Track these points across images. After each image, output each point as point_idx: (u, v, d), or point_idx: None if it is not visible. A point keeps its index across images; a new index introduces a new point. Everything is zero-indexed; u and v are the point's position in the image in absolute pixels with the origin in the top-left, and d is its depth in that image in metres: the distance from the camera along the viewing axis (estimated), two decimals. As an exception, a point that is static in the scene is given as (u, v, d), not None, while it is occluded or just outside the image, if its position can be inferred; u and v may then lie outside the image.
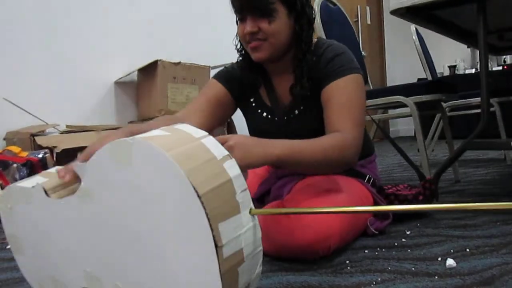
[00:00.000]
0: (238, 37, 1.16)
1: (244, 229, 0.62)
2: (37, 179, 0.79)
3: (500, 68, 5.12)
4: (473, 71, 5.37)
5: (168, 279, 0.62)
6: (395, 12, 1.52)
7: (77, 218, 0.71)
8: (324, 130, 1.09)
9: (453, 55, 5.56)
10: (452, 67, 5.53)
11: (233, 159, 0.65)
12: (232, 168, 0.63)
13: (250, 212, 0.63)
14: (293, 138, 0.94)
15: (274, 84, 1.21)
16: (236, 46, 1.19)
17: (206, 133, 0.67)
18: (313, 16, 1.13)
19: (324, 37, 1.81)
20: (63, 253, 0.77)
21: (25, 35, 2.37)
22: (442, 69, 5.55)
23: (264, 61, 1.12)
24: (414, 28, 2.68)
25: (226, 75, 1.25)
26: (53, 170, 0.84)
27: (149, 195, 0.60)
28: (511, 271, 0.86)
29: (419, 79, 5.22)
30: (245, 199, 0.63)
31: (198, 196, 0.56)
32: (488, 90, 1.40)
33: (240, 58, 1.21)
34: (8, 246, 1.30)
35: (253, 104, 1.24)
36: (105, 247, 0.69)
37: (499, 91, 2.78)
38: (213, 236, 0.56)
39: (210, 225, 0.56)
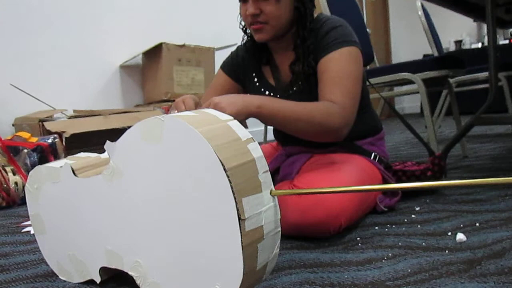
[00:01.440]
0: (240, 17, 1.17)
1: (265, 207, 0.64)
2: (65, 161, 0.84)
3: (507, 41, 5.05)
4: (480, 45, 5.31)
5: (190, 253, 0.65)
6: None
7: (103, 196, 0.75)
8: None
9: (459, 30, 5.49)
10: (458, 42, 5.46)
11: (256, 142, 0.68)
12: (256, 150, 0.66)
13: (270, 193, 0.66)
14: None
15: (277, 61, 1.22)
16: (240, 23, 1.21)
17: (231, 117, 0.70)
18: None
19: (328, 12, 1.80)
20: (86, 231, 0.80)
21: (31, 21, 2.36)
22: (448, 44, 5.48)
23: (267, 41, 1.13)
24: (419, 3, 2.64)
25: (231, 63, 1.28)
26: (80, 155, 0.89)
27: (177, 170, 0.64)
28: (521, 244, 0.87)
29: (424, 55, 5.18)
30: (266, 179, 0.66)
31: (225, 170, 0.59)
32: (497, 65, 1.39)
33: (245, 37, 1.23)
34: (24, 230, 1.32)
35: (257, 84, 1.25)
36: (129, 225, 0.72)
37: (506, 65, 2.75)
38: (237, 209, 0.59)
39: (235, 198, 0.59)
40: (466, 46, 5.45)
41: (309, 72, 1.12)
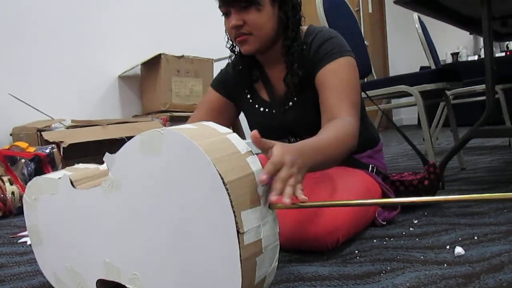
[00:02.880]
0: (227, 34, 1.15)
1: (264, 221, 0.64)
2: (63, 172, 0.83)
3: (503, 54, 5.10)
4: (476, 57, 5.35)
5: (189, 267, 0.65)
6: (398, 2, 1.52)
7: (102, 208, 0.74)
8: (319, 121, 1.07)
9: (455, 42, 5.54)
10: (455, 54, 5.51)
11: (255, 155, 0.68)
12: (254, 163, 0.67)
13: (269, 207, 0.66)
14: (290, 130, 0.93)
15: (269, 76, 1.20)
16: (227, 43, 1.18)
17: (230, 130, 0.71)
18: (299, 0, 1.12)
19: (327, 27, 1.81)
20: (84, 243, 0.79)
21: (29, 31, 2.37)
22: (445, 57, 5.53)
23: (254, 53, 1.12)
24: (416, 16, 2.67)
25: (222, 81, 1.26)
26: (79, 166, 0.88)
27: (176, 182, 0.64)
28: (519, 258, 0.87)
29: (421, 68, 5.21)
30: (265, 193, 0.66)
31: (224, 183, 0.60)
32: (493, 79, 1.40)
33: (233, 56, 1.21)
34: (21, 240, 1.32)
35: (250, 100, 1.23)
36: (127, 237, 0.71)
37: (503, 78, 2.77)
38: (236, 222, 0.59)
39: (234, 212, 0.59)
40: (462, 58, 5.50)
41: (302, 84, 1.11)
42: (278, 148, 0.72)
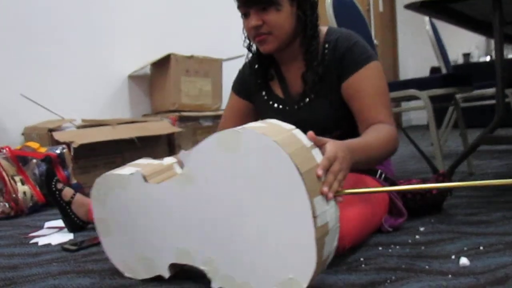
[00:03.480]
0: (244, 33, 1.18)
1: (329, 206, 0.74)
2: (129, 169, 0.92)
3: (516, 55, 5.04)
4: (488, 58, 5.30)
5: (263, 248, 0.74)
6: (409, 7, 1.52)
7: (176, 200, 0.84)
8: (334, 120, 1.13)
9: (467, 43, 5.48)
10: (467, 55, 5.46)
11: (317, 148, 0.77)
12: (318, 155, 0.76)
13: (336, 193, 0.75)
14: (304, 128, 0.94)
15: (284, 73, 1.23)
16: (244, 42, 1.21)
17: (293, 126, 0.79)
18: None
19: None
20: (156, 231, 0.88)
21: (40, 31, 2.40)
22: (456, 57, 5.48)
23: (273, 52, 1.14)
24: (427, 18, 2.65)
25: (240, 82, 1.31)
26: (141, 161, 0.98)
27: (253, 174, 0.73)
28: (524, 270, 0.87)
29: (432, 68, 5.18)
30: None
31: (300, 173, 0.68)
32: (504, 85, 1.39)
33: (250, 55, 1.24)
34: (33, 241, 1.34)
35: (265, 97, 1.26)
36: (201, 224, 0.81)
37: (514, 81, 2.75)
38: (311, 208, 0.69)
39: (309, 198, 0.69)
40: (474, 59, 5.44)
41: (320, 82, 1.13)
42: (332, 145, 0.79)
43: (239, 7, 1.11)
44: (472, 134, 4.34)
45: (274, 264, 0.74)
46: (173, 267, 0.90)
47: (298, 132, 0.78)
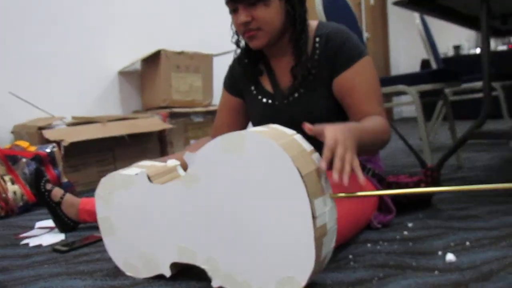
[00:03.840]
0: (233, 29, 1.18)
1: (327, 208, 0.76)
2: (134, 170, 0.95)
3: (505, 47, 5.08)
4: (478, 51, 5.33)
5: (264, 247, 0.77)
6: (398, 3, 1.53)
7: (179, 200, 0.86)
8: (323, 115, 1.13)
9: (458, 35, 5.50)
10: (457, 47, 5.48)
11: (317, 153, 0.80)
12: (318, 159, 0.79)
13: (329, 195, 0.78)
14: (292, 123, 0.95)
15: (274, 68, 1.22)
16: (232, 37, 1.21)
17: (295, 132, 0.82)
18: None
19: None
20: (158, 231, 0.91)
21: (29, 28, 2.38)
22: (447, 49, 5.50)
23: (263, 48, 1.14)
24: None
25: (231, 81, 1.31)
26: (145, 163, 1.00)
27: (256, 176, 0.76)
28: (509, 266, 0.89)
29: (423, 60, 5.20)
30: (327, 184, 0.79)
31: (301, 176, 0.72)
32: (490, 81, 1.41)
33: (238, 51, 1.24)
34: (23, 242, 1.34)
35: (254, 92, 1.25)
36: (204, 224, 0.84)
37: (502, 75, 2.77)
38: (311, 209, 0.72)
39: (310, 200, 0.72)
40: (464, 51, 5.47)
41: (310, 76, 1.14)
42: (330, 130, 0.80)
43: (227, 3, 1.10)
44: (462, 126, 4.38)
45: (273, 263, 0.77)
46: (175, 266, 0.92)
47: (299, 138, 0.81)
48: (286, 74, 1.19)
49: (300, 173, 0.72)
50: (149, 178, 0.92)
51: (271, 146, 0.74)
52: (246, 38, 1.13)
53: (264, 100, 1.23)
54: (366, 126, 1.00)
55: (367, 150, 1.02)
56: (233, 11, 1.11)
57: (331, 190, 0.79)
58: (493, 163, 2.09)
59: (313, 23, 1.18)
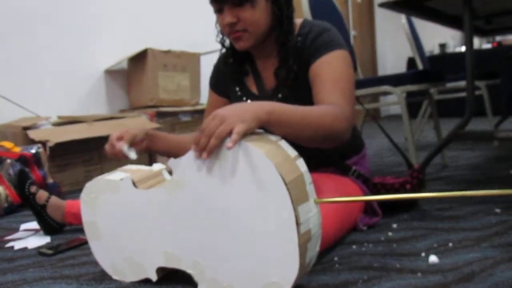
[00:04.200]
0: (217, 28, 1.15)
1: (311, 213, 0.77)
2: (119, 174, 0.95)
3: (490, 45, 5.15)
4: (463, 48, 5.38)
5: (249, 252, 0.78)
6: (383, 5, 1.54)
7: (165, 206, 0.87)
8: None
9: (443, 33, 5.55)
10: (442, 46, 5.54)
11: (301, 158, 0.80)
12: (302, 165, 0.79)
13: (314, 201, 0.79)
14: None
15: (259, 68, 1.20)
16: (217, 36, 1.18)
17: (280, 137, 0.83)
18: None
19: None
20: (145, 236, 0.91)
21: (13, 27, 2.34)
22: (432, 47, 5.56)
23: (249, 49, 1.12)
24: (403, 12, 2.68)
25: (216, 80, 1.28)
26: (130, 167, 1.01)
27: (240, 182, 0.76)
28: (490, 267, 0.91)
29: (409, 58, 5.25)
30: (311, 190, 0.79)
31: (285, 183, 0.72)
32: (473, 81, 1.43)
33: (223, 50, 1.21)
34: (8, 245, 1.33)
35: (239, 93, 1.23)
36: (189, 229, 0.84)
37: (486, 74, 2.81)
38: (295, 216, 0.72)
39: (293, 207, 0.72)
40: (450, 49, 5.53)
41: (294, 78, 1.11)
42: (217, 111, 0.80)
43: (211, 3, 1.07)
44: (447, 124, 4.43)
45: (258, 268, 0.77)
46: (161, 270, 0.93)
47: (284, 143, 0.81)
48: (271, 75, 1.17)
49: (283, 180, 0.72)
50: (134, 183, 0.92)
51: (255, 153, 0.74)
52: (231, 39, 1.10)
53: (249, 101, 1.21)
54: (301, 108, 0.89)
55: (304, 137, 0.90)
56: (218, 11, 1.08)
57: (315, 195, 0.80)
58: (478, 162, 2.13)
59: (297, 21, 1.16)
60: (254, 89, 1.22)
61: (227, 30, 1.08)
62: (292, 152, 0.80)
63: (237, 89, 1.24)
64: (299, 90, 1.13)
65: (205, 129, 0.77)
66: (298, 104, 1.11)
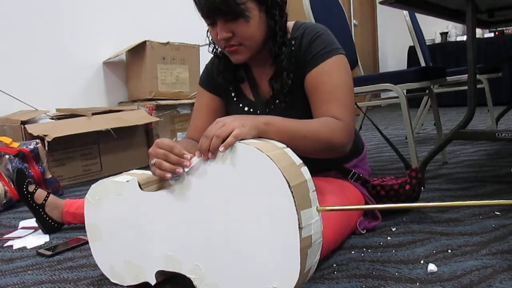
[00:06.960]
0: (209, 37, 1.10)
1: (313, 220, 0.78)
2: (126, 177, 0.96)
3: (492, 34, 5.11)
4: (465, 37, 5.34)
5: (249, 256, 0.78)
6: (384, 2, 1.51)
7: (168, 209, 0.87)
8: None
9: (445, 21, 5.50)
10: (444, 34, 5.49)
11: (305, 166, 0.81)
12: (306, 173, 0.80)
13: (316, 209, 0.79)
14: None
15: (255, 76, 1.18)
16: (209, 47, 1.14)
17: (285, 145, 0.84)
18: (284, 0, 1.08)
19: (312, 20, 1.80)
20: (146, 239, 0.92)
21: (9, 20, 2.31)
22: (434, 36, 5.51)
23: (245, 61, 1.09)
24: (405, 3, 2.64)
25: (209, 78, 1.23)
26: (136, 171, 1.01)
27: (245, 187, 0.77)
28: (489, 277, 0.91)
29: (410, 47, 5.20)
30: (314, 197, 0.80)
31: (290, 187, 0.73)
32: (475, 84, 1.41)
33: (216, 60, 1.16)
34: (7, 244, 1.33)
35: (234, 99, 1.21)
36: (191, 233, 0.84)
37: (488, 69, 2.79)
38: (298, 219, 0.73)
39: (297, 210, 0.73)
40: (451, 38, 5.49)
41: (289, 89, 1.09)
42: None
43: (203, 16, 1.02)
44: (448, 115, 4.40)
45: (258, 273, 0.78)
46: (160, 274, 0.93)
47: (288, 151, 0.82)
48: (267, 83, 1.14)
49: (288, 183, 0.73)
50: (139, 185, 0.92)
51: (262, 157, 0.75)
52: (227, 53, 1.06)
53: (246, 108, 1.19)
54: (299, 121, 0.94)
55: (302, 148, 0.92)
56: (211, 24, 1.03)
57: (318, 203, 0.80)
58: (477, 158, 2.12)
59: (289, 24, 1.12)
60: (250, 95, 1.19)
61: (222, 44, 1.03)
62: (297, 160, 0.81)
63: (233, 94, 1.21)
64: (295, 98, 1.12)
65: (207, 133, 0.81)
66: (295, 110, 1.11)
